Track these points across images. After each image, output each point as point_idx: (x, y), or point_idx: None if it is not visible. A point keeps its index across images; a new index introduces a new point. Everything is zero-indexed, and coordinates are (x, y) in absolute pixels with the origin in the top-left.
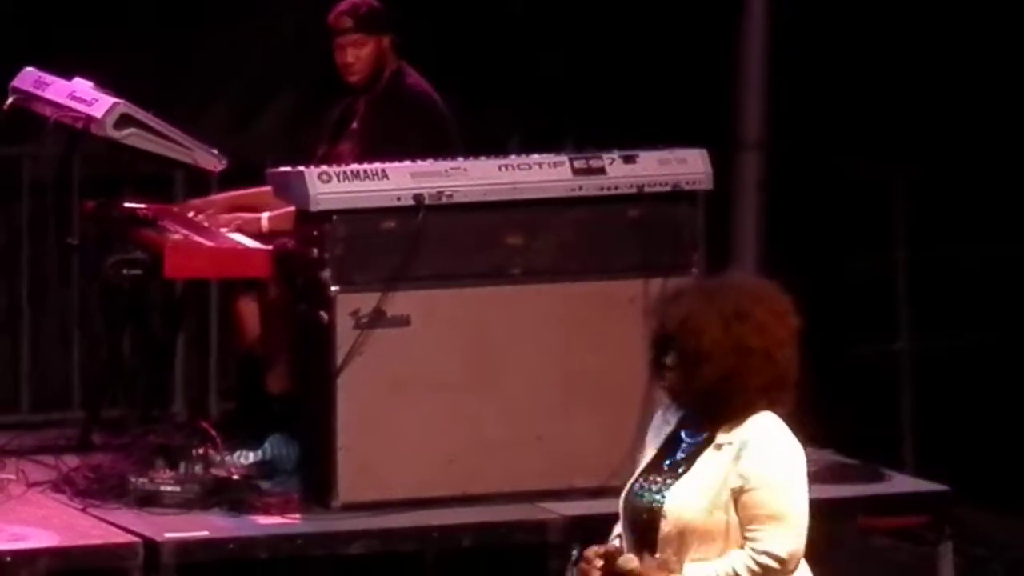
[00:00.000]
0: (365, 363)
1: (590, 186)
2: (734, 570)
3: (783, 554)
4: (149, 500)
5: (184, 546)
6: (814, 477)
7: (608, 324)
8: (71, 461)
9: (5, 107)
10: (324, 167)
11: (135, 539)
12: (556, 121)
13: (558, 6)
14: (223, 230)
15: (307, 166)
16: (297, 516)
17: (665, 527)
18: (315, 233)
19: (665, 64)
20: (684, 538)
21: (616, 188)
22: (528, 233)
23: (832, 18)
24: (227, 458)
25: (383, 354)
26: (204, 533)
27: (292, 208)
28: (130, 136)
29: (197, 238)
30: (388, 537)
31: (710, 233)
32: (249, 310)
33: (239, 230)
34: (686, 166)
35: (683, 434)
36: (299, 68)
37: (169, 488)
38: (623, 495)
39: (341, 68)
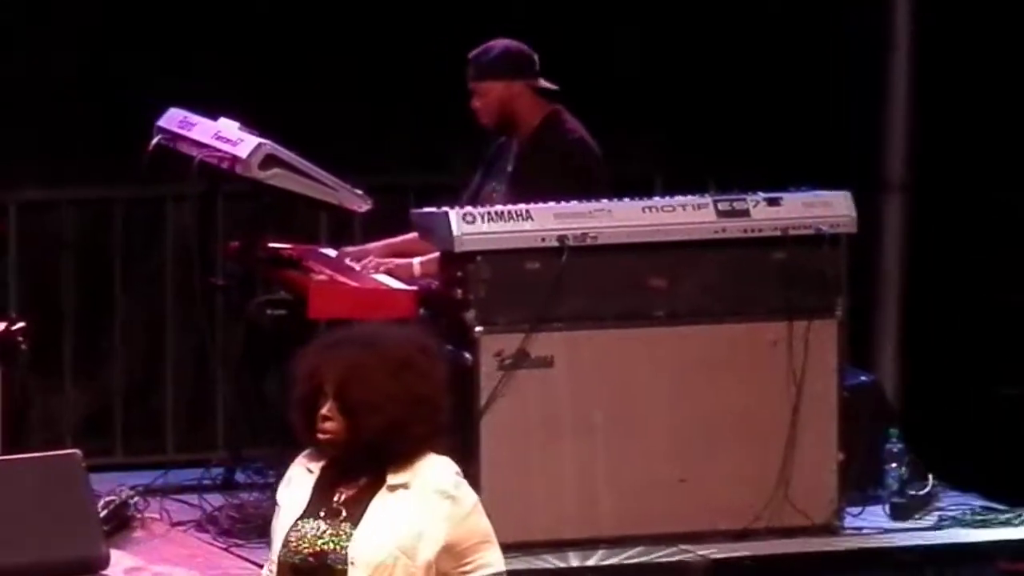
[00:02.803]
0: (508, 404)
1: (734, 228)
2: None
3: (503, 568)
4: None
5: None
6: (955, 522)
7: (751, 366)
8: (215, 500)
9: (150, 147)
10: (468, 208)
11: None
12: (701, 162)
13: (704, 49)
14: (370, 271)
15: (452, 206)
16: None
17: (355, 574)
18: (459, 274)
19: (810, 104)
20: None
21: (760, 230)
22: (672, 275)
23: (979, 54)
24: None
25: (526, 395)
26: None
27: None
28: (275, 176)
29: (341, 279)
30: None
31: (854, 276)
32: None
33: (390, 273)
34: (830, 209)
35: (331, 477)
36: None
37: None
38: (279, 548)
39: (474, 112)
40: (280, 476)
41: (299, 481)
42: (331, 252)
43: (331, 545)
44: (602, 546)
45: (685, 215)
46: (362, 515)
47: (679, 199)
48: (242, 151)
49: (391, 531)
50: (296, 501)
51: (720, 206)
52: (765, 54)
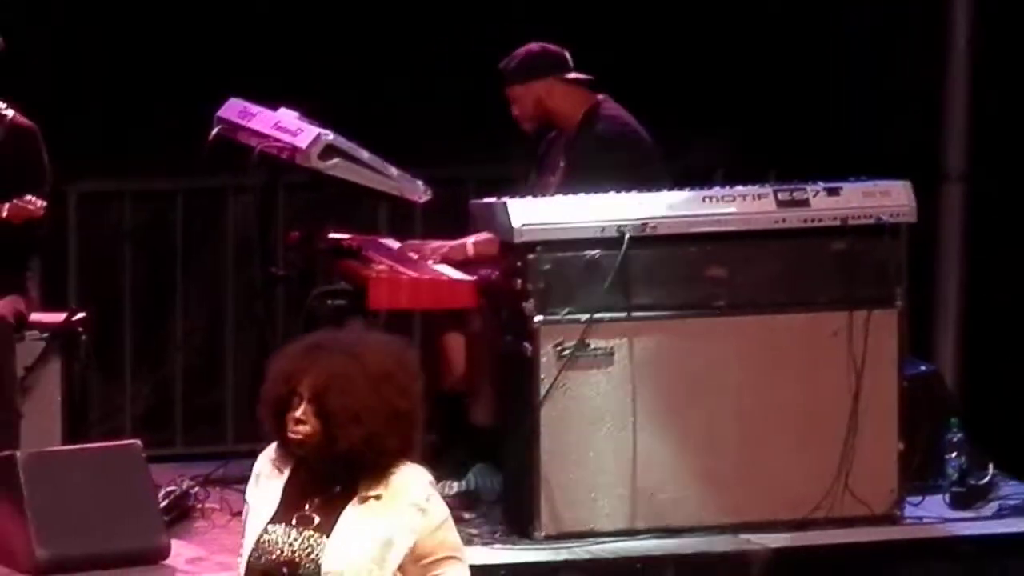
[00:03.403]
0: (567, 394)
1: (794, 218)
2: None
3: None
4: None
5: None
6: (1014, 512)
7: (811, 357)
8: None
9: (210, 138)
10: (527, 199)
11: None
12: (760, 153)
13: (761, 41)
14: (429, 262)
15: (511, 197)
16: (500, 547)
17: None
18: (518, 264)
19: (870, 96)
20: None
21: (820, 220)
22: (731, 265)
23: None
24: None
25: (585, 385)
26: None
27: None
28: (335, 166)
29: (401, 269)
30: (591, 569)
31: (913, 265)
32: (453, 342)
33: (445, 258)
34: (890, 198)
35: (303, 481)
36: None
37: None
38: (250, 545)
39: (516, 120)
40: None
41: (269, 481)
42: (392, 243)
43: (303, 554)
44: (662, 536)
45: (745, 205)
46: (334, 525)
47: (739, 189)
48: (302, 141)
49: (362, 544)
50: (266, 503)
51: (780, 196)
52: (825, 48)
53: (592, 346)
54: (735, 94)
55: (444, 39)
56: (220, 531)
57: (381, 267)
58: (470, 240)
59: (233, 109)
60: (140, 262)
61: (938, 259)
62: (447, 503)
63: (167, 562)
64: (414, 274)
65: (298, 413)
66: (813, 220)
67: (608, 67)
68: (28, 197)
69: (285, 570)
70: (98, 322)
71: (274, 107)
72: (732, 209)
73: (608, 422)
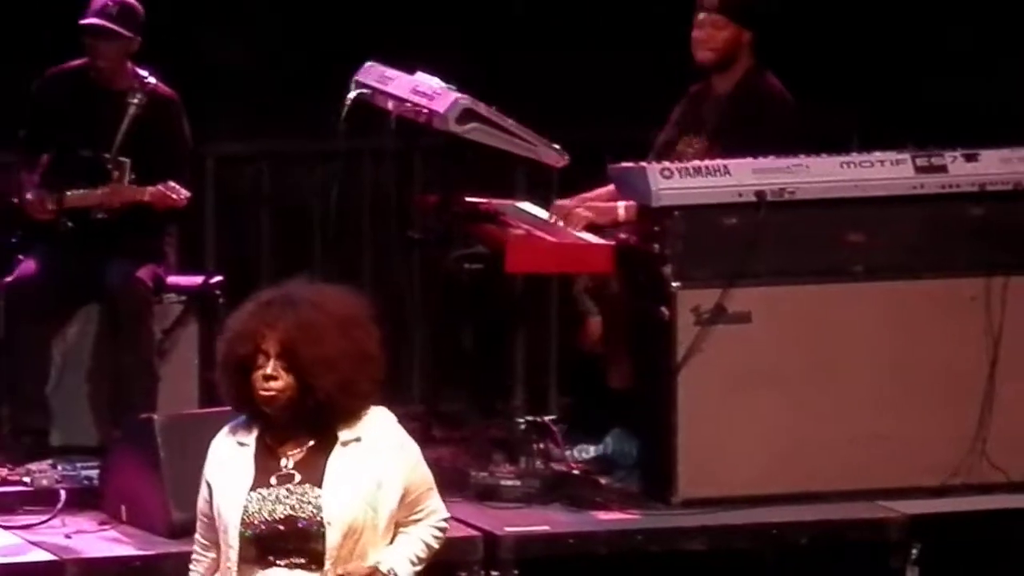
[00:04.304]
0: (705, 359)
1: (932, 184)
2: (424, 544)
3: (448, 513)
4: (489, 494)
5: (524, 541)
6: None
7: (948, 322)
8: None
9: (347, 101)
10: (666, 163)
11: (475, 533)
12: (898, 119)
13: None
14: (570, 229)
15: (648, 161)
16: (637, 512)
17: (333, 534)
18: (656, 229)
19: (1012, 63)
20: (354, 538)
21: (958, 186)
22: (869, 231)
23: None
24: (567, 453)
25: (723, 350)
26: (544, 528)
27: None
28: (472, 131)
29: (539, 233)
30: (727, 534)
31: None
32: (590, 306)
33: (591, 222)
34: None
35: (270, 443)
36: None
37: (509, 482)
38: (236, 518)
39: (693, 42)
40: (475, 430)
41: (233, 457)
42: (531, 207)
43: (299, 507)
44: (798, 502)
45: (883, 171)
46: (322, 475)
47: (877, 155)
48: (439, 105)
49: (355, 486)
50: (238, 476)
51: (918, 162)
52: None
53: (730, 311)
54: (871, 60)
55: (581, 5)
56: None
57: (518, 231)
58: (621, 204)
59: (371, 72)
60: (276, 225)
61: None
62: (583, 466)
63: None
64: (552, 238)
65: (268, 370)
66: (951, 186)
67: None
68: (172, 185)
69: (282, 528)
70: (235, 285)
71: (411, 71)
72: (870, 175)
73: (745, 387)
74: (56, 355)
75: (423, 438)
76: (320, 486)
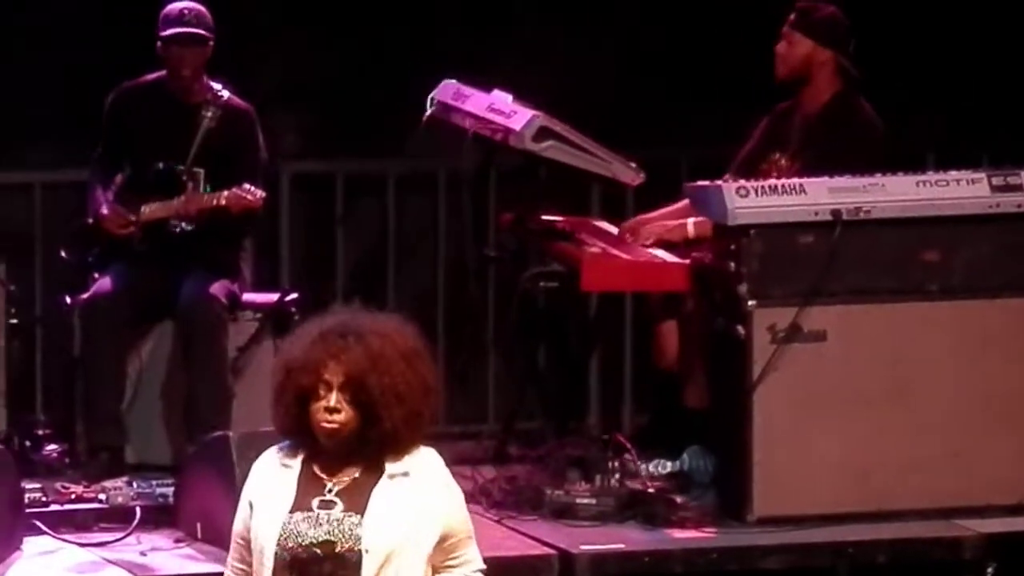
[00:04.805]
0: (781, 378)
1: (1008, 203)
2: None
3: (483, 566)
4: (564, 512)
5: (599, 559)
6: None
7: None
8: (487, 473)
9: (424, 119)
10: (742, 182)
11: (550, 551)
12: (973, 138)
13: (977, 27)
14: (643, 245)
15: (727, 177)
16: (712, 530)
17: (370, 564)
18: (732, 247)
19: None
20: (391, 570)
21: None
22: (945, 250)
23: None
24: (642, 470)
25: (799, 369)
26: (619, 546)
27: None
28: (548, 149)
29: (615, 251)
30: (803, 552)
31: None
32: (667, 324)
33: (661, 239)
34: None
35: (316, 470)
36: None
37: (584, 500)
38: (274, 539)
39: (775, 56)
40: (551, 448)
41: (277, 477)
42: (605, 226)
43: (339, 534)
44: (874, 520)
45: (959, 189)
46: (366, 505)
47: (953, 173)
48: (516, 123)
49: (398, 519)
50: (279, 497)
51: (994, 181)
52: None
53: (806, 330)
54: (948, 78)
55: (659, 22)
56: None
57: (594, 249)
58: (691, 221)
59: (447, 91)
60: (352, 243)
61: None
62: (659, 484)
63: None
64: (628, 256)
65: (331, 403)
66: None
67: None
68: (247, 187)
69: (319, 552)
70: (310, 303)
71: (488, 89)
72: (946, 194)
73: (820, 406)
74: (131, 372)
75: (499, 456)
76: (362, 515)
